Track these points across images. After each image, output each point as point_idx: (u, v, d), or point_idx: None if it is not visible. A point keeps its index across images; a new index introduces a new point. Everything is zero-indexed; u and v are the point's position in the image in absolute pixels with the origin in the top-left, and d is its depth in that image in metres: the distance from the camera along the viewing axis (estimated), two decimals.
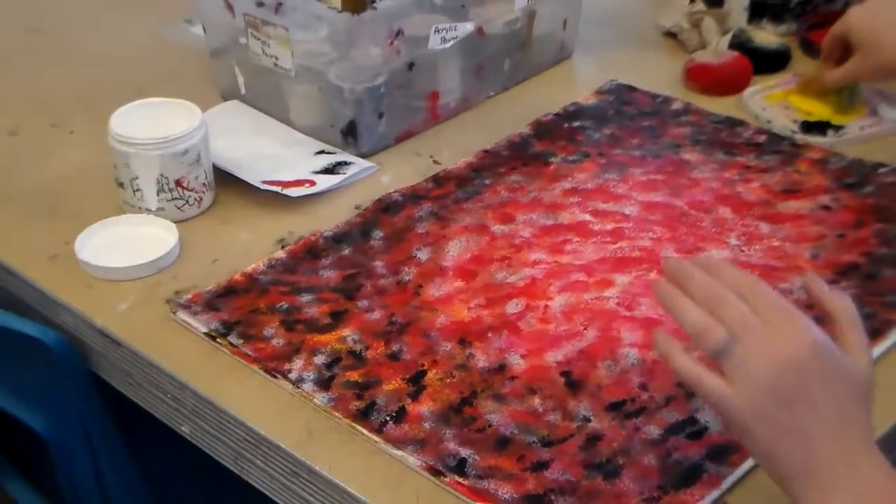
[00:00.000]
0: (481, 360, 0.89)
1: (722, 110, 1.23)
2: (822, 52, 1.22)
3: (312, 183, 1.10)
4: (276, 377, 0.88)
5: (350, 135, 1.16)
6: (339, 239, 1.03)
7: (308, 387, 0.86)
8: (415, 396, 0.85)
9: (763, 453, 0.69)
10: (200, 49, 1.33)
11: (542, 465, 0.79)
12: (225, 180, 1.10)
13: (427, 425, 0.82)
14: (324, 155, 1.16)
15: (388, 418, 0.83)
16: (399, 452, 0.80)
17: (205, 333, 0.92)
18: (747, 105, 1.23)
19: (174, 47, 1.42)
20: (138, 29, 1.47)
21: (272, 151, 1.16)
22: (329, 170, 1.13)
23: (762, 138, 1.18)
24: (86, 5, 1.55)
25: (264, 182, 1.09)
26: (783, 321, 0.70)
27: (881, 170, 1.11)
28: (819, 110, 1.20)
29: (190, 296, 0.96)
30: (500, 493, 0.76)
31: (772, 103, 1.23)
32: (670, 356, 0.72)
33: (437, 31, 1.16)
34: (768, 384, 0.67)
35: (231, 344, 0.91)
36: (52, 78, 1.36)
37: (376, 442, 0.81)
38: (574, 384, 0.86)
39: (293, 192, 1.08)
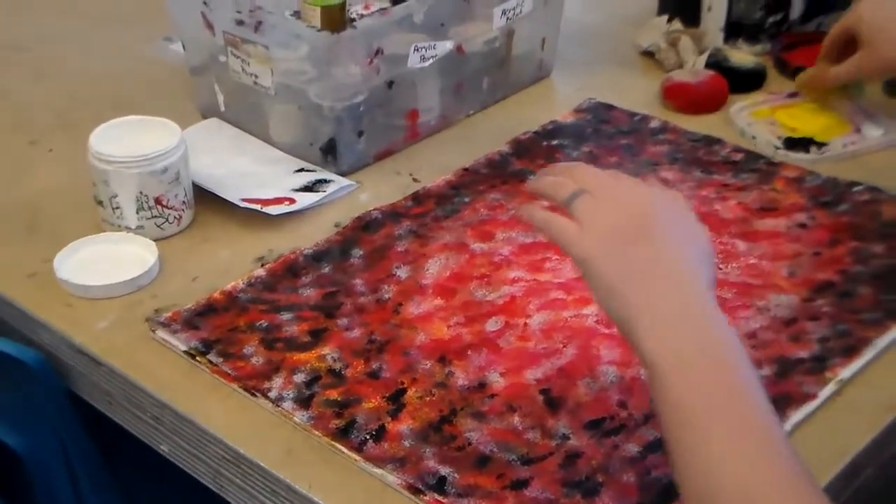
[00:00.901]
0: (461, 378, 0.89)
1: (699, 129, 1.24)
2: (822, 47, 1.21)
3: (292, 201, 1.10)
4: (255, 396, 0.88)
5: (330, 153, 1.16)
6: (318, 257, 1.04)
7: (288, 405, 0.86)
8: (394, 415, 0.85)
9: (607, 290, 0.73)
10: (180, 67, 1.33)
11: (521, 484, 0.79)
12: (205, 198, 1.10)
13: (407, 443, 0.83)
14: (303, 173, 1.16)
15: (367, 437, 0.83)
16: (379, 471, 0.80)
17: (184, 352, 0.92)
18: (734, 121, 1.25)
19: (154, 65, 1.42)
20: (118, 46, 1.47)
21: (252, 169, 1.17)
22: (309, 188, 1.13)
23: (739, 156, 1.19)
24: (66, 23, 1.54)
25: (244, 200, 1.09)
26: (630, 181, 0.79)
27: (855, 188, 1.12)
28: (805, 127, 1.22)
29: (169, 314, 0.96)
30: None
31: (758, 119, 1.25)
32: (531, 213, 0.80)
33: (417, 49, 1.17)
34: (613, 224, 0.74)
35: (210, 362, 0.91)
36: (31, 95, 1.36)
37: (356, 460, 0.81)
38: (553, 402, 0.86)
39: (273, 210, 1.08)
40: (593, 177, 0.79)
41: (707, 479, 0.66)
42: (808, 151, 1.19)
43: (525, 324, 0.94)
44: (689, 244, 0.75)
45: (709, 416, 0.67)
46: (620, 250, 0.73)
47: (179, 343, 0.93)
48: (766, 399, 0.69)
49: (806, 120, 1.23)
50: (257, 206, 1.08)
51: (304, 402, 0.86)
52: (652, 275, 0.72)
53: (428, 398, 0.87)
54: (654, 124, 1.26)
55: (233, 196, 1.10)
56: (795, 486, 0.65)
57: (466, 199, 1.12)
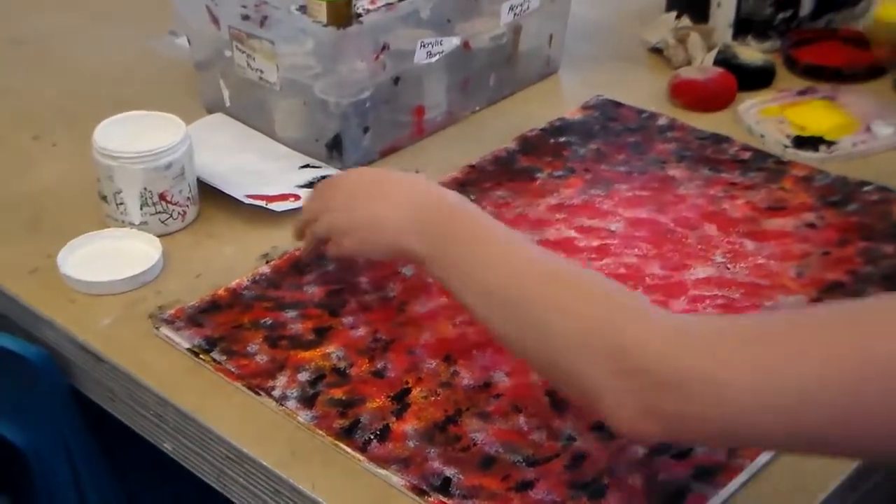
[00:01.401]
0: (466, 377, 0.88)
1: (707, 126, 1.23)
2: None
3: (297, 197, 1.09)
4: (259, 394, 0.87)
5: (335, 149, 1.15)
6: (323, 254, 1.03)
7: (292, 404, 0.86)
8: (399, 414, 0.85)
9: (368, 245, 0.89)
10: (185, 61, 1.32)
11: (526, 485, 0.78)
12: (209, 194, 1.09)
13: (411, 444, 0.82)
14: (308, 169, 1.15)
15: (372, 437, 0.82)
16: (383, 471, 0.80)
17: (188, 349, 0.92)
18: (742, 118, 1.24)
19: (159, 59, 1.42)
20: (123, 41, 1.47)
21: (257, 165, 1.16)
22: (314, 184, 1.12)
23: (747, 155, 1.18)
24: (70, 16, 1.54)
25: (248, 196, 1.09)
26: (339, 173, 1.02)
27: (865, 188, 1.11)
28: (814, 126, 1.21)
29: (173, 311, 0.95)
30: None
31: (766, 117, 1.24)
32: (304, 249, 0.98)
33: (423, 45, 1.16)
34: (342, 200, 0.91)
35: (214, 360, 0.90)
36: (34, 90, 1.35)
37: (360, 461, 0.81)
38: (559, 403, 0.85)
39: (278, 206, 1.08)
40: (316, 189, 0.97)
41: (485, 298, 0.77)
42: (817, 150, 1.18)
43: None
44: (406, 176, 0.92)
45: (462, 248, 0.81)
46: (361, 208, 0.89)
47: (183, 340, 0.92)
48: (505, 227, 0.84)
49: (815, 118, 1.23)
50: (262, 203, 1.08)
51: (308, 401, 0.86)
52: (394, 205, 0.86)
53: (433, 398, 0.86)
54: (661, 122, 1.25)
55: (237, 192, 1.09)
56: (550, 272, 0.76)
57: (472, 197, 1.11)
